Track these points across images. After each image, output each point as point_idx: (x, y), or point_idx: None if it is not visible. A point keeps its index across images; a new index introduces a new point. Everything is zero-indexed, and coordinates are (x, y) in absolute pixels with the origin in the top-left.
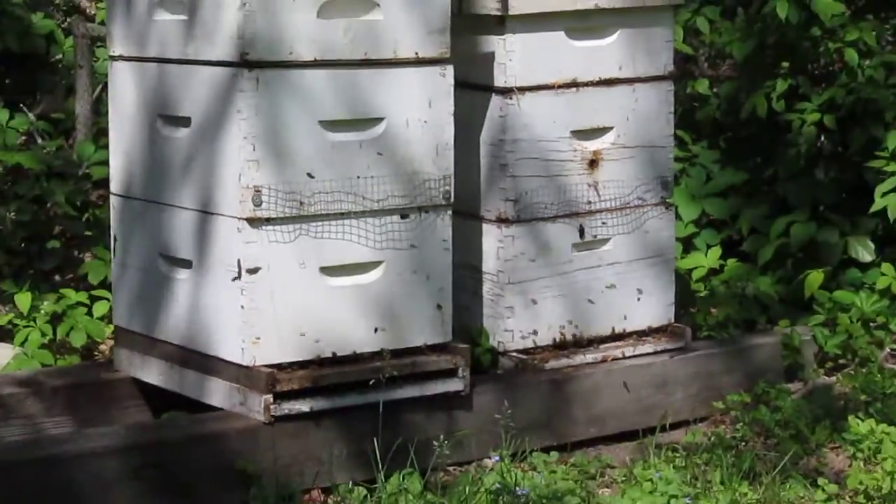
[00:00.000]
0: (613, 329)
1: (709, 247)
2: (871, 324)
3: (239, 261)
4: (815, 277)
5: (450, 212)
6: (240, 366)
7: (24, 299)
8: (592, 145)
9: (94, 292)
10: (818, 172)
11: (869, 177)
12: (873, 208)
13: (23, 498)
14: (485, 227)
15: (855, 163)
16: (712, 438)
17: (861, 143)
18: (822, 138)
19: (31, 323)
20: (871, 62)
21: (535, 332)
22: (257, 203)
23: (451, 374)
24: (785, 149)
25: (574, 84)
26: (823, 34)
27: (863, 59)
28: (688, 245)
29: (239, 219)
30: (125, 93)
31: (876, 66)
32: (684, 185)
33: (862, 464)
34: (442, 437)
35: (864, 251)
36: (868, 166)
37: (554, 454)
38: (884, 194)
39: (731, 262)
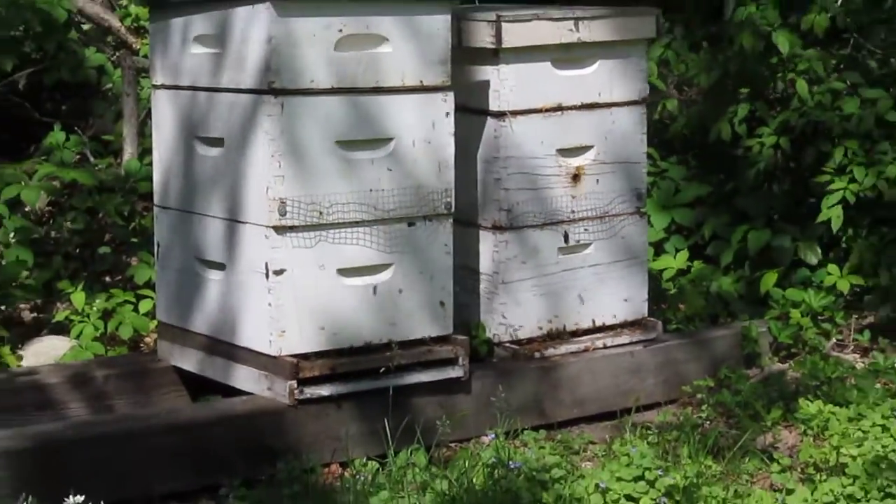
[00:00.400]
0: (594, 322)
1: (677, 250)
2: (819, 317)
3: (266, 264)
4: (770, 277)
5: (451, 220)
6: (267, 355)
7: (79, 298)
8: (575, 162)
9: (139, 291)
10: (774, 187)
11: (813, 187)
12: (819, 218)
13: (77, 473)
14: (481, 233)
15: (805, 177)
16: (681, 418)
17: (812, 160)
18: (778, 155)
19: (85, 318)
20: (819, 88)
21: (526, 326)
22: (282, 213)
23: (452, 362)
24: (744, 167)
25: (559, 108)
26: (779, 64)
27: (812, 85)
28: (659, 249)
29: (266, 227)
30: (166, 117)
31: (823, 92)
32: (655, 196)
33: (812, 440)
34: (444, 417)
35: (812, 254)
36: (817, 176)
37: (542, 432)
38: (829, 207)
39: (696, 263)
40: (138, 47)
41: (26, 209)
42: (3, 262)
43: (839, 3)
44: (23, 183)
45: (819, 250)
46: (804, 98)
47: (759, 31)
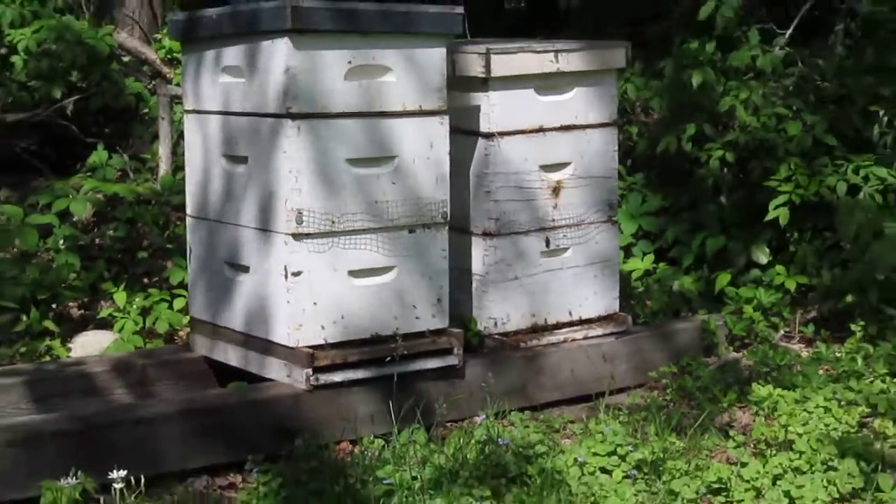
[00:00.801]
0: (572, 317)
1: (644, 254)
2: (769, 312)
3: (285, 266)
4: (725, 277)
5: (446, 228)
6: (286, 347)
7: (120, 297)
8: (555, 176)
9: (173, 291)
10: (723, 198)
11: (761, 198)
12: (767, 217)
13: (120, 451)
14: (473, 239)
15: (752, 190)
16: (648, 401)
17: (759, 173)
18: (726, 171)
19: (126, 315)
20: (764, 112)
21: (512, 320)
22: (299, 222)
23: (448, 352)
24: (697, 180)
25: (541, 129)
26: (722, 93)
27: (757, 111)
28: (627, 252)
29: (285, 234)
30: (197, 138)
31: (769, 116)
32: (625, 206)
33: (763, 419)
34: (441, 400)
35: (762, 254)
36: (764, 185)
37: (527, 413)
38: (776, 207)
39: (661, 265)
40: (171, 77)
41: (74, 219)
42: (54, 266)
43: (786, 35)
44: (71, 196)
45: (768, 251)
46: (745, 121)
47: (699, 67)
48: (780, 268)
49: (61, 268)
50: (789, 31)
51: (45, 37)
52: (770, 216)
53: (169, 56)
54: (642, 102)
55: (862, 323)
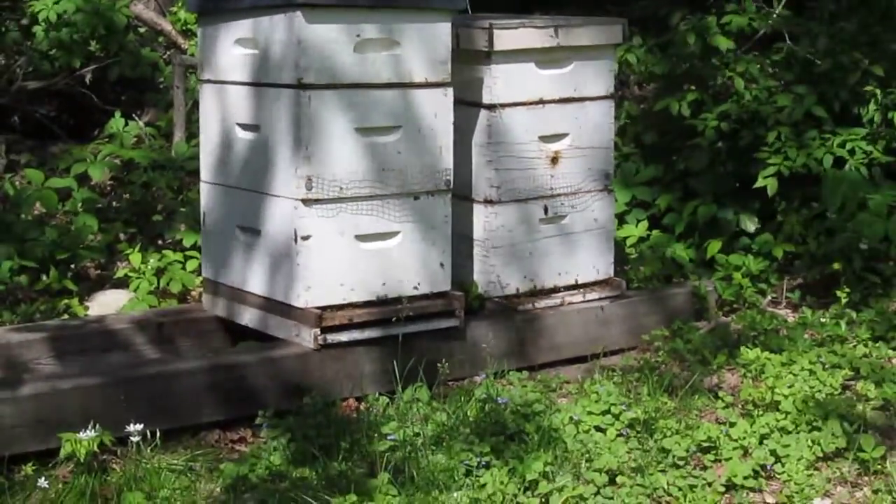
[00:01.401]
0: (568, 281)
1: (638, 221)
2: (757, 279)
3: (295, 230)
4: (715, 244)
5: (449, 195)
6: (296, 307)
7: (136, 258)
8: (554, 147)
9: (187, 253)
10: (717, 168)
11: (752, 168)
12: (756, 185)
13: (137, 405)
14: (475, 206)
15: (744, 161)
16: (641, 362)
17: (749, 141)
18: (720, 143)
19: (141, 275)
20: (756, 86)
21: (512, 284)
22: (309, 188)
23: (450, 314)
24: (691, 150)
25: (541, 101)
26: (720, 65)
27: (749, 84)
28: (622, 220)
29: (295, 199)
30: (211, 107)
31: (760, 90)
32: (619, 176)
33: (751, 381)
34: (443, 360)
35: (750, 223)
36: (755, 157)
37: (525, 373)
38: (765, 177)
39: (654, 232)
40: (186, 47)
41: (92, 183)
42: (73, 228)
43: (776, 13)
44: (89, 161)
45: (756, 220)
46: (741, 93)
47: (700, 34)
48: (768, 236)
49: (80, 229)
50: (779, 9)
51: (66, 8)
52: (759, 185)
53: (184, 28)
54: (641, 76)
55: (846, 290)
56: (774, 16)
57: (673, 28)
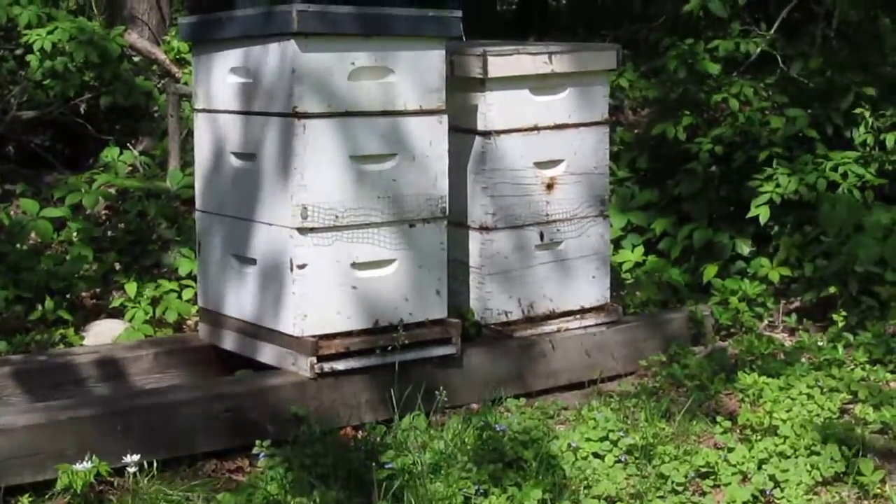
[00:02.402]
0: (565, 307)
1: (633, 246)
2: (753, 303)
3: (291, 259)
4: (711, 269)
5: (445, 222)
6: (292, 336)
7: (131, 287)
8: (549, 173)
9: (182, 282)
10: (711, 192)
11: (746, 191)
12: (749, 214)
13: (133, 436)
14: (471, 233)
15: (738, 185)
16: (638, 388)
17: (742, 162)
18: (714, 168)
19: (137, 304)
20: (750, 109)
21: (508, 310)
22: (304, 217)
23: (447, 341)
24: (686, 174)
25: (536, 128)
26: (713, 88)
27: (743, 106)
28: (617, 245)
29: (291, 228)
30: (206, 136)
31: (754, 111)
32: (614, 201)
33: (749, 406)
34: (441, 387)
35: (745, 246)
36: (747, 185)
37: (523, 400)
38: (757, 206)
39: (650, 258)
40: (180, 76)
41: (87, 213)
42: (68, 258)
43: (767, 36)
44: (83, 190)
45: (751, 243)
46: (735, 114)
47: (686, 60)
48: (764, 260)
49: (75, 259)
50: (771, 32)
51: (60, 37)
52: (751, 214)
53: (177, 57)
54: (635, 101)
55: (843, 313)
56: (767, 37)
57: (662, 53)
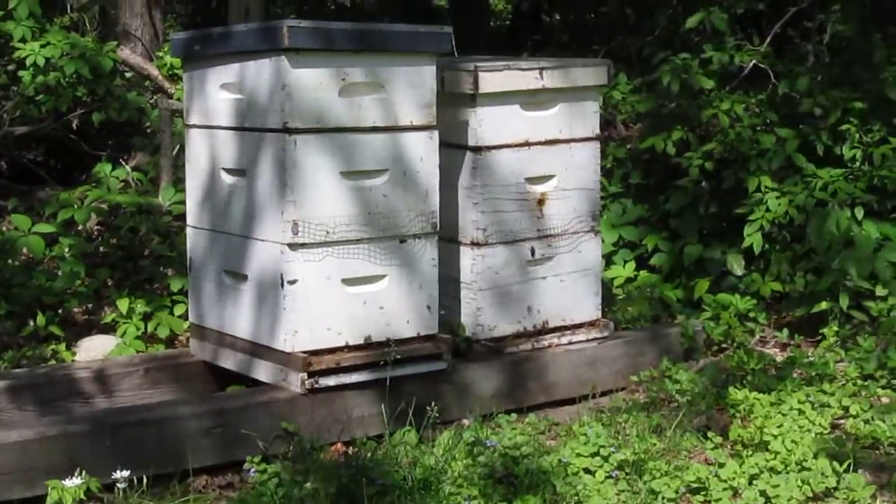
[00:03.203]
0: (556, 322)
1: (625, 262)
2: (744, 318)
3: (282, 275)
4: (703, 284)
5: (436, 238)
6: (283, 352)
7: (123, 303)
8: (540, 188)
9: (174, 297)
10: (701, 207)
11: (736, 206)
12: (744, 245)
13: (125, 450)
14: (462, 248)
15: (729, 201)
16: (630, 403)
17: (732, 184)
18: (704, 183)
19: (129, 320)
20: (740, 124)
21: (499, 326)
22: (295, 232)
23: (438, 357)
24: (676, 190)
25: (526, 143)
26: (705, 102)
27: (733, 122)
28: (609, 260)
29: (281, 244)
30: (197, 152)
31: (745, 128)
32: (606, 216)
33: (739, 421)
34: (432, 403)
35: (737, 266)
36: (738, 203)
37: (513, 415)
38: (749, 234)
39: (641, 273)
40: (173, 92)
41: (79, 228)
42: (60, 273)
43: (761, 50)
44: (76, 206)
45: (743, 262)
46: (725, 130)
47: (679, 74)
48: (755, 276)
49: (67, 276)
50: (764, 46)
51: (53, 53)
52: (746, 243)
53: (170, 72)
54: (627, 116)
55: (834, 328)
56: (761, 51)
57: (655, 67)
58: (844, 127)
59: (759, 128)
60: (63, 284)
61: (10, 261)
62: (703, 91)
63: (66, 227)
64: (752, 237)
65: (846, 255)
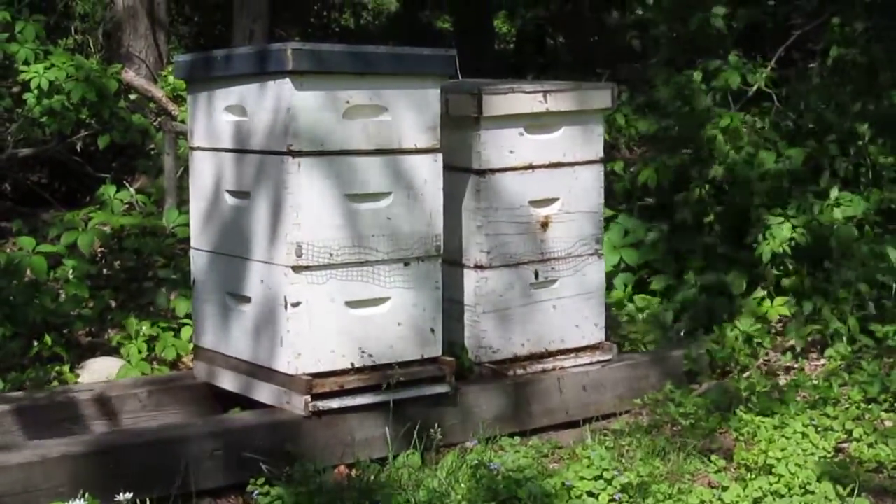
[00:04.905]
0: (560, 346)
1: (626, 285)
2: (749, 340)
3: (285, 297)
4: (706, 306)
5: (440, 261)
6: (286, 374)
7: (131, 322)
8: (544, 211)
9: (179, 320)
10: (705, 231)
11: (740, 225)
12: (762, 270)
13: (128, 472)
14: (465, 271)
15: (733, 224)
16: (633, 426)
17: (737, 211)
18: (708, 209)
19: (133, 342)
20: (741, 143)
21: (503, 349)
22: (299, 255)
23: (441, 380)
24: (680, 213)
25: (530, 166)
26: (706, 119)
27: (733, 141)
28: (610, 283)
29: (285, 266)
30: (201, 173)
31: (746, 145)
32: (607, 238)
33: (743, 444)
34: (435, 425)
35: (740, 287)
36: (742, 211)
37: (517, 438)
38: (765, 265)
39: (645, 296)
40: (177, 113)
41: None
42: (63, 295)
43: (765, 73)
44: (80, 229)
45: (744, 285)
46: (724, 153)
47: (683, 92)
48: (759, 299)
49: (70, 298)
50: (768, 69)
51: (57, 75)
52: (762, 268)
53: (174, 94)
54: (631, 140)
55: (839, 351)
56: (765, 73)
57: (656, 86)
58: (852, 148)
59: (763, 146)
60: (67, 307)
61: (14, 282)
62: (705, 108)
63: (70, 249)
64: (765, 256)
65: (852, 273)
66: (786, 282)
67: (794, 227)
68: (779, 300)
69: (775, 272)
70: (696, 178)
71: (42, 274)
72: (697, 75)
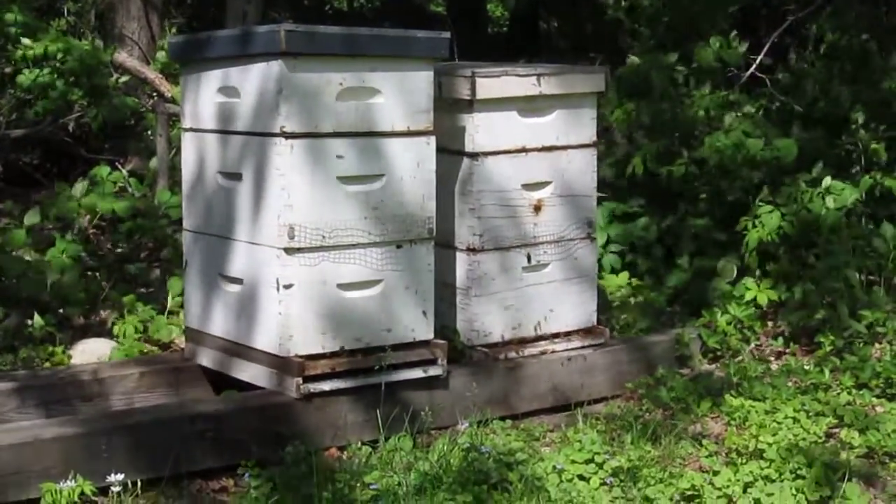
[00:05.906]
0: (552, 329)
1: (619, 269)
2: (740, 325)
3: (277, 279)
4: (699, 292)
5: (432, 243)
6: (278, 356)
7: (130, 299)
8: (537, 195)
9: (172, 301)
10: (699, 216)
11: (733, 219)
12: (746, 262)
13: (119, 453)
14: (458, 254)
15: (725, 210)
16: (624, 410)
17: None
18: (696, 185)
19: (125, 323)
20: (726, 126)
21: (495, 332)
22: (291, 237)
23: (433, 362)
24: (671, 198)
25: (523, 150)
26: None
27: (713, 123)
28: (604, 267)
29: (277, 248)
30: (193, 155)
31: (735, 130)
32: (601, 222)
33: (734, 429)
34: (427, 408)
35: (731, 273)
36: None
37: (508, 422)
38: (750, 251)
39: (637, 280)
40: (170, 94)
41: (75, 231)
42: (57, 277)
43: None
44: (72, 210)
45: (734, 270)
46: (713, 133)
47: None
48: (751, 283)
49: (63, 280)
50: (760, 56)
51: (50, 55)
52: (747, 261)
53: (170, 71)
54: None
55: (830, 337)
56: (757, 60)
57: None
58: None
59: (754, 133)
60: (59, 288)
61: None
62: (689, 90)
63: (61, 231)
64: (751, 258)
65: (841, 260)
66: (774, 268)
67: (783, 216)
68: (767, 285)
69: (766, 261)
70: (682, 159)
71: (20, 244)
72: (671, 56)
